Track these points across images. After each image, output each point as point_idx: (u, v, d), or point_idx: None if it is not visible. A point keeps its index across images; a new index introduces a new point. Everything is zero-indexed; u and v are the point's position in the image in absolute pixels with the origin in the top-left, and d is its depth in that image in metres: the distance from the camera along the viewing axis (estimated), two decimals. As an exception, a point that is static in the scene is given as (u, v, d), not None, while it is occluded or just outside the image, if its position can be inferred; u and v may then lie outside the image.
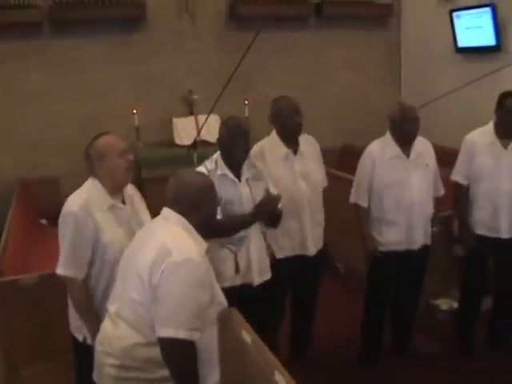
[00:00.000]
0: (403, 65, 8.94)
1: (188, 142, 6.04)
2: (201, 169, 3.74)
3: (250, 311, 3.72)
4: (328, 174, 5.20)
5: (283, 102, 4.29)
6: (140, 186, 6.29)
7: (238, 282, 3.83)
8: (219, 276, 3.69)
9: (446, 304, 5.21)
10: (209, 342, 2.69)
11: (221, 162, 3.81)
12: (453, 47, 7.75)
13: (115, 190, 3.25)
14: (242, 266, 3.82)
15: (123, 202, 3.31)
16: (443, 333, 5.06)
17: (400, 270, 4.52)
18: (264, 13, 7.38)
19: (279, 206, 3.90)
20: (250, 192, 3.83)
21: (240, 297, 3.68)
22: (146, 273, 2.59)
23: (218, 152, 3.87)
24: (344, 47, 8.41)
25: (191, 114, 7.32)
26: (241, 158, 3.82)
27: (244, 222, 3.78)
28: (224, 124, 3.89)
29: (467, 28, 7.45)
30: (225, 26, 7.76)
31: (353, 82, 8.52)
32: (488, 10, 7.03)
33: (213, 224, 3.02)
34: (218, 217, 3.56)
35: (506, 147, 4.49)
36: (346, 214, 4.68)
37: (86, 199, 3.15)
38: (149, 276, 2.58)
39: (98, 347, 2.82)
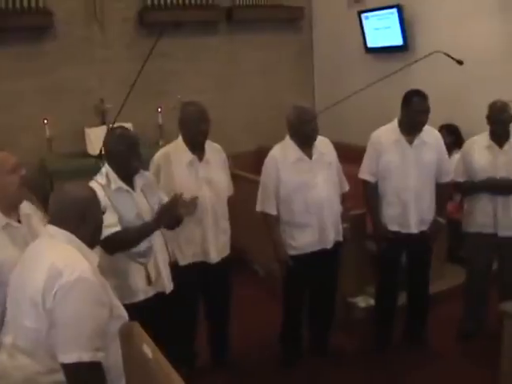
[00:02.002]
0: (316, 66, 9.04)
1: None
2: (92, 184, 3.51)
3: (166, 320, 3.72)
4: (243, 178, 5.21)
5: (190, 108, 4.26)
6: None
7: (151, 293, 3.77)
8: (131, 290, 3.66)
9: (363, 302, 5.29)
10: (115, 358, 2.59)
11: (112, 175, 3.66)
12: (363, 48, 7.91)
13: (8, 208, 3.09)
14: (152, 276, 3.75)
15: (19, 221, 3.15)
16: (362, 330, 5.15)
17: (315, 270, 4.54)
18: (173, 19, 7.31)
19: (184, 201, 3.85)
20: (147, 201, 3.76)
21: (154, 307, 3.69)
22: (39, 297, 2.43)
23: (107, 165, 3.72)
24: (256, 50, 8.43)
25: (104, 123, 7.19)
26: (136, 169, 3.71)
27: (146, 231, 3.68)
28: (111, 135, 3.76)
29: (376, 29, 7.62)
30: (135, 34, 7.63)
31: (266, 85, 8.56)
32: (394, 11, 7.20)
33: (99, 234, 2.88)
34: (117, 229, 3.51)
35: (410, 143, 4.59)
36: (263, 222, 4.67)
37: None
38: (42, 300, 2.43)
39: None
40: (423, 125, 4.58)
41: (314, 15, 8.89)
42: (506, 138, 4.67)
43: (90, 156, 6.85)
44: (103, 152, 3.83)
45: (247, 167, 6.60)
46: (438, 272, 5.66)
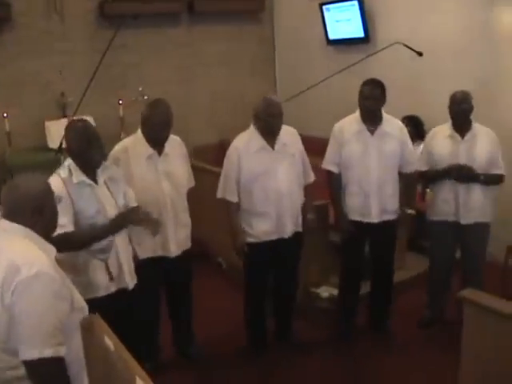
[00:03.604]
0: (277, 58, 9.06)
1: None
2: (54, 178, 3.51)
3: (128, 316, 3.70)
4: (206, 171, 5.20)
5: (156, 113, 4.21)
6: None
7: (112, 289, 3.74)
8: (91, 286, 3.62)
9: (326, 292, 5.34)
10: (77, 352, 2.57)
11: (75, 168, 3.62)
12: (324, 39, 7.94)
13: None
14: (114, 272, 3.72)
15: None
16: (325, 320, 5.19)
17: (274, 259, 4.59)
18: (135, 10, 7.27)
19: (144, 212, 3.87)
20: (111, 194, 3.74)
21: (116, 303, 3.66)
22: None
23: (69, 158, 3.68)
24: (218, 42, 8.42)
25: (65, 116, 7.11)
26: (98, 162, 3.68)
27: (100, 234, 3.63)
28: (71, 128, 3.69)
29: (337, 21, 7.65)
30: (96, 26, 7.53)
31: (228, 77, 8.54)
32: (355, 3, 7.24)
33: (55, 225, 2.82)
34: (68, 228, 3.47)
35: (372, 134, 4.65)
36: (224, 210, 4.68)
37: None
38: (0, 297, 2.39)
39: None
40: (371, 111, 4.64)
41: (275, 7, 8.89)
42: (468, 128, 4.74)
43: (50, 150, 6.77)
44: (64, 146, 3.78)
45: (210, 160, 6.59)
46: (400, 261, 5.73)
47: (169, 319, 4.71)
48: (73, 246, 3.54)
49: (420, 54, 5.65)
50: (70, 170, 3.62)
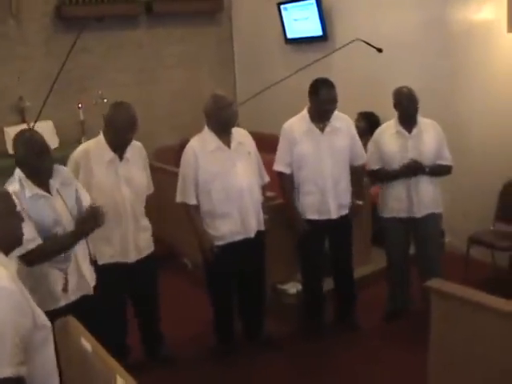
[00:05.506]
0: (236, 58, 9.08)
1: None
2: None
3: (92, 320, 3.63)
4: (168, 172, 5.20)
5: (120, 114, 4.14)
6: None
7: (72, 297, 3.68)
8: (52, 297, 3.55)
9: (292, 288, 5.37)
10: (42, 367, 2.44)
11: (26, 181, 3.51)
12: (282, 38, 7.98)
13: None
14: (73, 281, 3.66)
15: None
16: (292, 316, 5.23)
17: (240, 260, 4.54)
18: (92, 13, 7.26)
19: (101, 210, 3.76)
20: (64, 202, 3.64)
21: (78, 310, 3.47)
22: None
23: (19, 170, 3.55)
24: (177, 44, 8.41)
25: (24, 121, 7.02)
26: (49, 173, 3.60)
27: (65, 244, 3.59)
28: (19, 139, 3.58)
29: (295, 20, 7.70)
30: (53, 29, 7.45)
31: (188, 78, 8.53)
32: (313, 1, 7.29)
33: (18, 240, 2.68)
34: (38, 242, 3.41)
35: (322, 131, 4.68)
36: (185, 213, 4.66)
37: None
38: None
39: None
40: (332, 113, 4.68)
41: (233, 7, 8.91)
42: (414, 123, 4.82)
43: (10, 156, 6.67)
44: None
45: (171, 161, 6.56)
46: (364, 256, 5.80)
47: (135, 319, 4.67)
48: (42, 259, 3.48)
49: (380, 50, 5.68)
50: (21, 183, 3.51)
